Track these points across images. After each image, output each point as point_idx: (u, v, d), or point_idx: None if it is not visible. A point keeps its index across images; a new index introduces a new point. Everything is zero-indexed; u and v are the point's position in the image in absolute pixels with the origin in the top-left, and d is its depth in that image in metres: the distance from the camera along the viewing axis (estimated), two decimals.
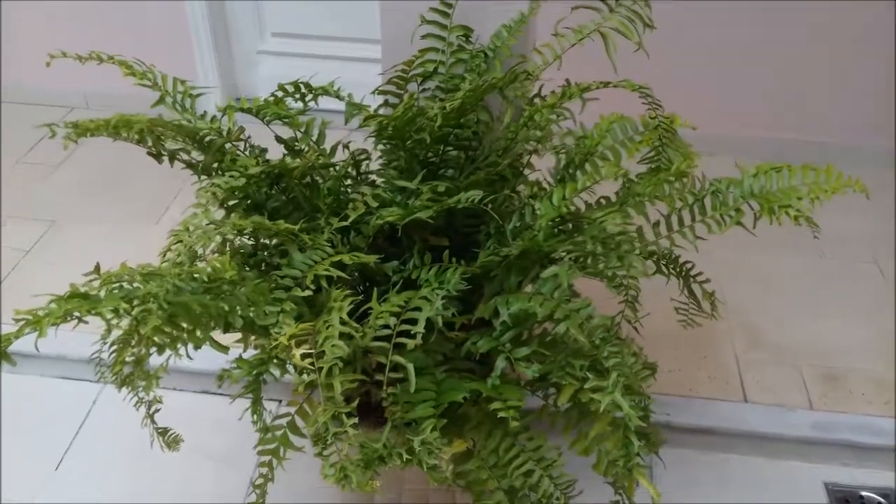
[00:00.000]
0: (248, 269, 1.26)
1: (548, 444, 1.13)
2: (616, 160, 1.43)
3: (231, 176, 1.11)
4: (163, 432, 1.38)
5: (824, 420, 1.88)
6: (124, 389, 1.29)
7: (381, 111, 1.37)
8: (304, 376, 0.92)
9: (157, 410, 1.36)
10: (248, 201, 1.27)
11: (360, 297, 1.03)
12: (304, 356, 0.90)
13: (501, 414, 1.05)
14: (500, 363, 1.09)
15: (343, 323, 0.93)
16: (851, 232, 2.41)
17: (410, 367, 0.95)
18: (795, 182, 1.37)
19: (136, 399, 1.35)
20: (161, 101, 1.23)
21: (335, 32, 2.86)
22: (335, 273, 1.04)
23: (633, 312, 1.12)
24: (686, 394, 1.96)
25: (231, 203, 1.32)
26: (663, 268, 1.53)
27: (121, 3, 2.81)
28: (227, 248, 1.23)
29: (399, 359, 0.96)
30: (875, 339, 2.10)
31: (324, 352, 0.89)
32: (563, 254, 1.08)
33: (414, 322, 1.00)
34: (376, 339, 0.98)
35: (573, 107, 1.44)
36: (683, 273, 1.55)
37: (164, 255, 0.98)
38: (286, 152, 1.36)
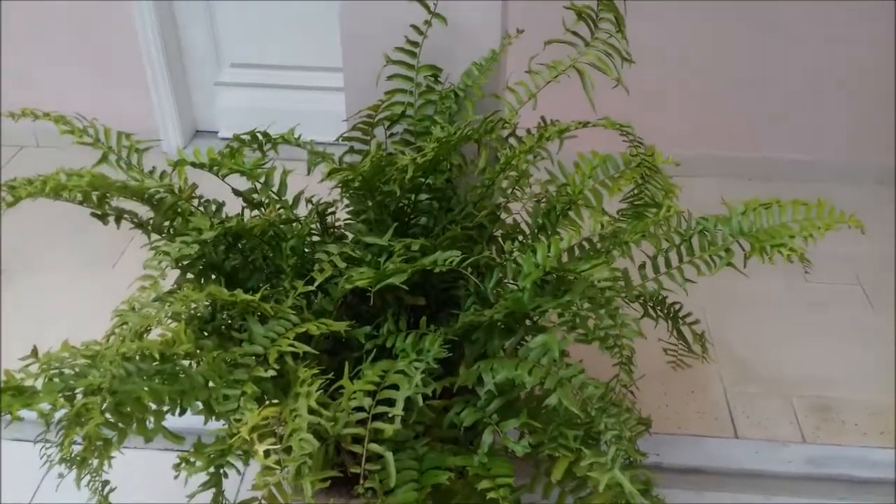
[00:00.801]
0: (206, 334, 1.15)
1: None
2: (598, 202, 1.35)
3: (183, 241, 1.01)
4: None
5: (819, 455, 1.81)
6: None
7: (346, 158, 1.28)
8: (268, 476, 0.82)
9: (111, 491, 1.25)
10: (205, 261, 1.16)
11: (330, 376, 0.93)
12: (267, 453, 0.80)
13: (491, 495, 0.96)
14: (487, 438, 1.00)
15: (312, 411, 0.84)
16: (838, 253, 2.35)
17: (390, 456, 0.86)
18: (786, 218, 1.30)
19: (88, 479, 1.25)
20: (104, 159, 1.13)
21: (296, 62, 2.77)
22: (301, 349, 0.94)
23: (628, 375, 1.03)
24: (675, 431, 1.88)
25: (186, 263, 1.22)
26: (650, 310, 1.45)
27: (70, 33, 2.69)
28: (183, 315, 1.12)
29: (377, 448, 0.86)
30: (866, 367, 2.03)
31: (291, 447, 0.80)
32: (549, 312, 0.99)
33: (391, 402, 0.90)
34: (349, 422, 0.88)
35: (551, 146, 1.37)
36: (672, 315, 1.47)
37: (108, 339, 0.88)
38: (245, 205, 1.27)
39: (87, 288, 2.26)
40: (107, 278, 2.27)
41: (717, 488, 1.81)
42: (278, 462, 0.79)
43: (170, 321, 1.13)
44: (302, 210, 1.32)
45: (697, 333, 1.48)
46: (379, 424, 0.87)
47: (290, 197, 1.29)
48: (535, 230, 1.22)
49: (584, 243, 1.33)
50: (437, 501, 1.07)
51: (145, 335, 1.05)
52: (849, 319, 2.19)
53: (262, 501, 1.04)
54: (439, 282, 1.16)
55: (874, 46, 2.51)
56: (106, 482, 1.26)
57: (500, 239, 1.36)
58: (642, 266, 1.37)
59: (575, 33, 1.30)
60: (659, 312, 1.45)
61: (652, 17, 2.42)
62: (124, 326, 0.88)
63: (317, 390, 0.86)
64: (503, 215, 1.36)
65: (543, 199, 1.20)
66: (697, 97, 2.67)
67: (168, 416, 1.01)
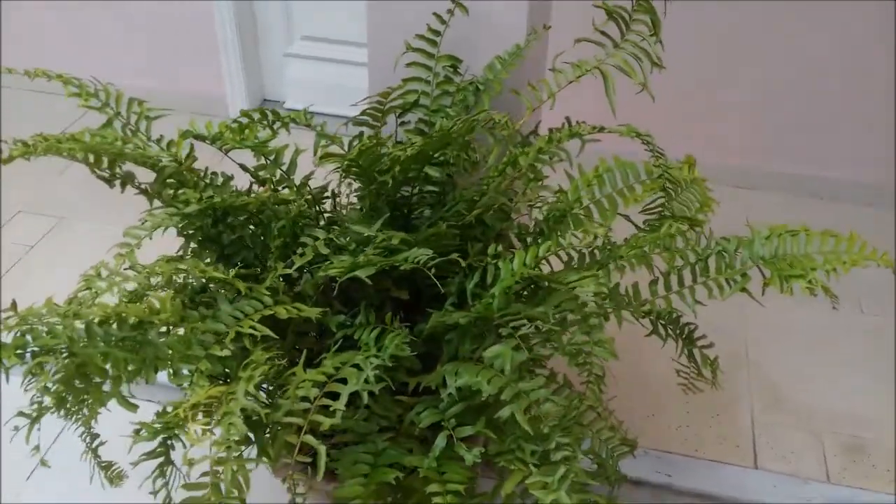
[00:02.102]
0: (198, 306, 1.16)
1: None
2: (612, 210, 1.30)
3: (166, 213, 1.02)
4: (106, 466, 1.31)
5: (840, 496, 1.72)
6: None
7: (356, 143, 1.27)
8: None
9: (100, 444, 1.29)
10: (202, 234, 1.18)
11: (282, 363, 0.93)
12: (199, 434, 0.80)
13: (437, 500, 0.94)
14: (441, 441, 0.98)
15: (251, 396, 0.84)
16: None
17: (322, 449, 0.85)
18: (812, 249, 1.23)
19: (81, 428, 1.29)
20: (109, 124, 1.15)
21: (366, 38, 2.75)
22: (261, 331, 0.94)
23: (595, 395, 0.99)
24: (691, 453, 1.82)
25: (189, 233, 1.24)
26: (661, 328, 1.39)
27: (146, 2, 2.76)
28: (173, 284, 1.14)
29: (310, 439, 0.85)
30: None
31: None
32: (521, 324, 0.96)
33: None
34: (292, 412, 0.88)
35: (572, 148, 1.33)
36: (684, 335, 1.41)
37: (69, 302, 0.90)
38: (253, 181, 1.27)
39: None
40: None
41: None
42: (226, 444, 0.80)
43: (162, 289, 1.16)
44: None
45: (709, 358, 1.41)
46: (318, 417, 0.87)
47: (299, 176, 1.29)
48: (536, 234, 1.19)
49: (596, 251, 1.28)
50: (396, 496, 1.06)
51: (145, 299, 1.08)
52: None
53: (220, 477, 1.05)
54: (426, 277, 1.14)
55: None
56: (96, 435, 1.30)
57: (512, 238, 1.34)
58: (654, 282, 1.32)
59: (604, 33, 1.24)
60: (670, 331, 1.39)
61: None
62: (87, 291, 0.89)
63: (259, 377, 0.86)
64: (516, 215, 1.33)
65: (538, 205, 1.17)
66: (711, 105, 2.59)
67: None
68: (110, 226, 2.33)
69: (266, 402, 0.86)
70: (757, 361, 2.04)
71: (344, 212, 1.27)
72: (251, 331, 0.94)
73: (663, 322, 1.39)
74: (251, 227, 1.14)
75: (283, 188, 1.24)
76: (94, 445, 1.29)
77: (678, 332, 1.40)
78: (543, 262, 1.31)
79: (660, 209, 1.39)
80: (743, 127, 2.61)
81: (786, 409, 1.92)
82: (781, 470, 1.78)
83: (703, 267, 1.29)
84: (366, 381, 0.91)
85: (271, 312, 0.98)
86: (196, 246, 1.25)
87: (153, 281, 1.11)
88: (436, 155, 1.09)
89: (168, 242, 1.23)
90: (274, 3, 2.77)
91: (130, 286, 0.94)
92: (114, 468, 1.32)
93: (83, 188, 2.53)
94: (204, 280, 1.20)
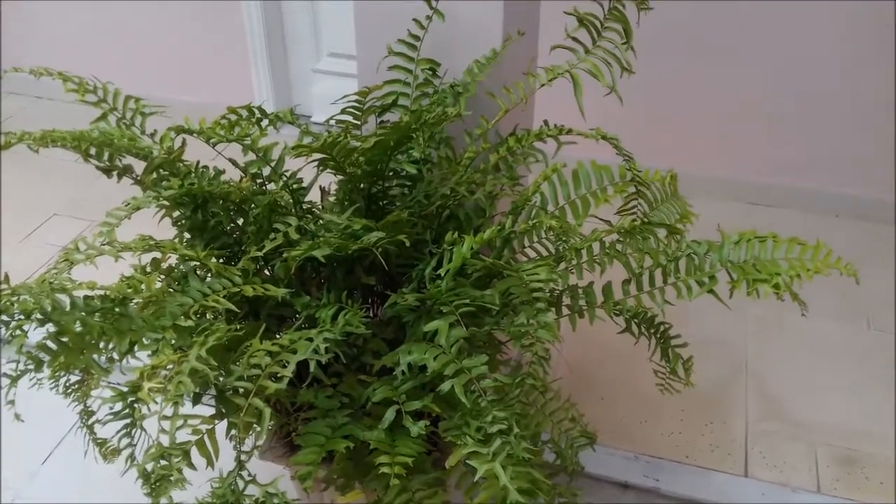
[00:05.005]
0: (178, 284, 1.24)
1: None
2: (584, 209, 1.36)
3: (147, 196, 1.11)
4: (101, 443, 1.39)
5: None
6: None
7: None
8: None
9: (95, 421, 1.37)
10: (189, 222, 1.26)
11: (239, 333, 1.00)
12: (152, 391, 0.87)
13: (384, 470, 1.00)
14: (389, 414, 1.04)
15: (203, 361, 0.90)
16: None
17: (267, 412, 0.91)
18: (780, 255, 1.26)
19: (80, 406, 1.38)
20: (103, 117, 1.24)
21: None
22: (223, 305, 1.01)
23: (538, 374, 1.03)
24: (681, 460, 1.83)
25: (181, 222, 1.32)
26: (634, 327, 1.43)
27: (180, 13, 2.91)
28: (159, 265, 1.22)
29: (258, 402, 0.92)
30: None
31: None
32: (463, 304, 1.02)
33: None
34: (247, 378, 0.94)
35: (548, 150, 1.38)
36: (658, 334, 1.44)
37: (48, 272, 0.98)
38: (242, 176, 1.35)
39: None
40: None
41: None
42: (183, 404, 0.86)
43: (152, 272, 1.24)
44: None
45: (679, 356, 1.44)
46: (265, 382, 0.93)
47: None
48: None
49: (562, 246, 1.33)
50: (365, 471, 1.12)
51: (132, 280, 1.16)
52: None
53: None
54: (396, 265, 1.21)
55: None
56: (92, 412, 1.39)
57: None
58: (626, 281, 1.37)
59: (576, 39, 1.30)
60: (643, 330, 1.42)
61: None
62: (65, 263, 0.98)
63: (213, 342, 0.93)
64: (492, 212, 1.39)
65: (497, 196, 1.22)
66: (706, 116, 2.63)
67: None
68: (137, 227, 2.48)
69: (220, 368, 0.93)
70: (758, 373, 2.05)
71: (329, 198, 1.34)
72: (214, 304, 1.01)
73: (637, 321, 1.42)
74: (231, 214, 1.22)
75: (270, 183, 1.32)
76: (89, 422, 1.38)
77: (651, 330, 1.43)
78: (521, 256, 1.38)
79: (633, 212, 1.45)
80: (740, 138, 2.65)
81: (782, 421, 1.92)
82: (772, 479, 1.78)
83: (673, 268, 1.33)
84: (315, 351, 0.97)
85: (238, 290, 1.05)
86: (189, 236, 1.33)
87: (143, 259, 1.20)
88: (400, 149, 1.16)
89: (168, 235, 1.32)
90: (303, 20, 2.88)
91: (115, 263, 1.02)
92: (108, 445, 1.40)
93: (116, 195, 2.66)
94: (186, 267, 1.28)
